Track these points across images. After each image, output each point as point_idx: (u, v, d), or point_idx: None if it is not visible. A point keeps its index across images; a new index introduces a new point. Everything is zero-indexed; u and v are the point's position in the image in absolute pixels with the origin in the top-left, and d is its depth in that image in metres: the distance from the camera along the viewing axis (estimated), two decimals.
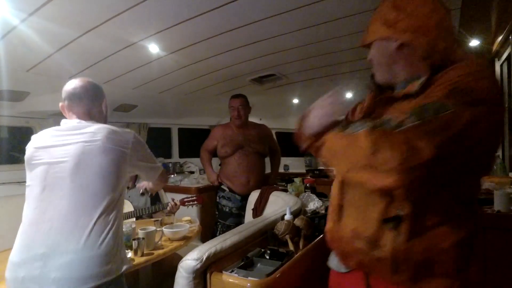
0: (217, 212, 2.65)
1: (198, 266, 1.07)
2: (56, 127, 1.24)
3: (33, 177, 1.17)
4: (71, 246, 1.03)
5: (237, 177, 2.54)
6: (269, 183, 2.63)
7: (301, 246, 1.37)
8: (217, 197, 2.64)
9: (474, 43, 2.29)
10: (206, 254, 1.10)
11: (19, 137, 2.85)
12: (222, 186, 2.63)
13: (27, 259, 1.04)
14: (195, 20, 1.75)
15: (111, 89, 2.73)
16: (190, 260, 1.09)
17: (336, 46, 2.32)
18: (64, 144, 1.16)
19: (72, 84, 1.27)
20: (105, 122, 1.31)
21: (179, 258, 2.21)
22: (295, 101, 3.76)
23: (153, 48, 2.08)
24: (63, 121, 1.26)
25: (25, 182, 2.83)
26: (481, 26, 2.13)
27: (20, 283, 1.04)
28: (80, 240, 1.03)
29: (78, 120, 1.24)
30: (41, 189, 1.13)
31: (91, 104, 1.29)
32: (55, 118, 2.88)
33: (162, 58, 2.26)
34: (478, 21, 2.05)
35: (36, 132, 2.79)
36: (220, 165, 2.77)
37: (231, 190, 2.57)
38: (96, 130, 1.17)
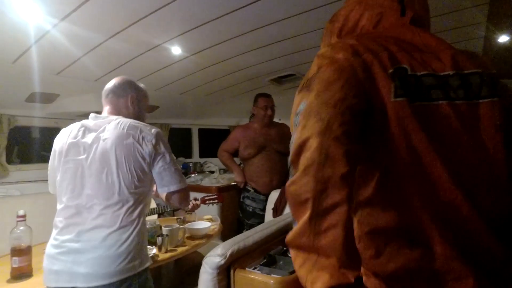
0: (240, 212, 2.68)
1: (222, 262, 1.09)
2: (84, 121, 1.26)
3: (63, 173, 1.19)
4: (98, 243, 1.06)
5: (261, 177, 2.56)
6: None
7: None
8: (241, 197, 2.67)
9: (504, 39, 2.21)
10: (230, 251, 1.12)
11: (49, 137, 2.98)
12: (247, 187, 2.65)
13: (60, 253, 1.09)
14: (217, 21, 1.78)
15: None
16: (215, 256, 1.11)
17: None
18: (89, 139, 1.17)
19: (109, 82, 1.39)
20: (135, 118, 1.29)
21: (200, 256, 2.25)
22: None
23: (176, 50, 2.13)
24: (91, 115, 1.29)
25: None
26: (511, 21, 2.05)
27: (54, 275, 1.09)
28: (107, 237, 1.07)
29: (105, 115, 1.28)
30: (73, 186, 1.15)
31: (116, 99, 1.32)
32: (82, 119, 3.00)
33: (184, 60, 2.30)
34: (507, 16, 1.98)
35: None
36: (241, 165, 2.79)
37: (256, 191, 2.59)
38: (115, 125, 1.17)
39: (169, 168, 1.19)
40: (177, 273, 2.16)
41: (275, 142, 2.60)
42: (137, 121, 1.24)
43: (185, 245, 1.77)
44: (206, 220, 2.15)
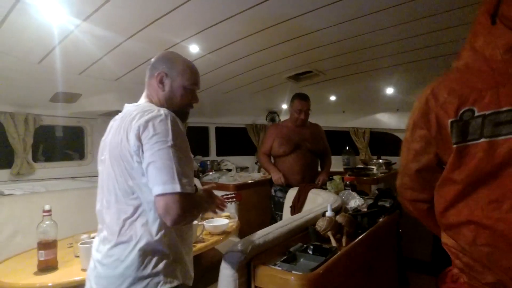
0: (272, 205, 2.70)
1: (243, 258, 1.09)
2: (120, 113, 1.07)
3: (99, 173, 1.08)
4: (100, 258, 0.97)
5: (293, 174, 2.58)
6: (320, 184, 2.60)
7: (344, 243, 1.34)
8: (273, 191, 2.69)
9: None
10: (250, 247, 1.11)
11: (71, 136, 3.08)
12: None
13: (93, 252, 1.04)
14: (233, 19, 1.78)
15: None
16: (235, 252, 1.11)
17: (376, 39, 2.24)
18: (110, 135, 1.02)
19: None
20: (166, 104, 1.04)
21: (218, 253, 2.26)
22: (333, 98, 3.68)
23: (193, 48, 2.15)
24: (125, 105, 1.09)
25: (77, 177, 3.05)
26: None
27: (91, 270, 1.03)
28: (107, 253, 0.95)
29: (132, 104, 1.06)
30: (100, 187, 1.05)
31: (148, 80, 1.08)
32: (103, 118, 3.08)
33: (201, 58, 2.32)
34: None
35: (86, 132, 3.06)
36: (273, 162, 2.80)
37: (287, 185, 2.59)
38: (120, 117, 1.00)
39: (156, 161, 0.87)
40: (196, 270, 2.17)
41: (309, 141, 2.63)
42: (145, 107, 0.97)
43: (203, 242, 1.78)
44: (223, 217, 2.16)
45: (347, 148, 3.86)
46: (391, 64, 2.74)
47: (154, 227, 0.92)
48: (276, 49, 2.30)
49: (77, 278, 1.35)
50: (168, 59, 1.08)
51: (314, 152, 2.65)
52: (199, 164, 3.68)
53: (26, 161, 2.55)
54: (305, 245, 1.26)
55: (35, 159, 2.72)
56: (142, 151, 0.89)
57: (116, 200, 0.95)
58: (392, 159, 3.64)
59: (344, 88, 3.42)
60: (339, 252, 1.23)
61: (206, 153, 4.22)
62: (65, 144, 3.10)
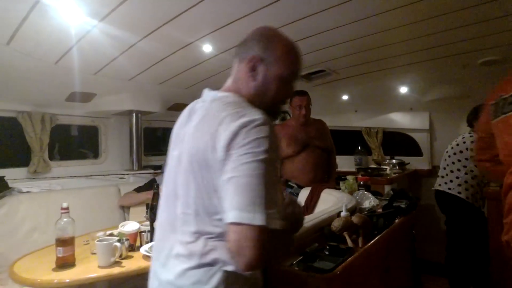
0: None
1: None
2: (199, 99, 0.88)
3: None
4: (173, 278, 0.81)
5: (305, 174, 2.52)
6: (329, 183, 2.56)
7: (360, 244, 1.33)
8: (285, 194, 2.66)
9: None
10: None
11: (86, 135, 3.13)
12: (290, 183, 2.65)
13: (157, 267, 0.89)
14: (246, 18, 1.77)
15: (167, 89, 2.89)
16: None
17: (390, 38, 2.21)
18: (190, 128, 0.82)
19: None
20: (257, 98, 0.82)
21: None
22: (345, 97, 3.65)
23: (207, 48, 2.15)
24: (204, 90, 0.89)
25: (92, 176, 3.09)
26: None
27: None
28: (185, 273, 0.79)
29: (215, 92, 0.85)
30: (171, 192, 0.85)
31: (238, 65, 0.86)
32: (117, 117, 3.12)
33: (214, 58, 2.32)
34: None
35: (100, 131, 3.10)
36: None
37: (299, 186, 2.58)
38: (202, 110, 0.81)
39: (239, 177, 0.67)
40: None
41: (316, 139, 2.57)
42: (236, 105, 0.76)
43: None
44: None
45: (360, 148, 3.82)
46: (405, 62, 2.70)
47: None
48: None
49: (94, 275, 1.37)
50: (265, 37, 0.84)
51: (323, 149, 2.58)
52: None
53: (42, 160, 2.60)
54: (321, 246, 1.25)
55: (51, 158, 2.77)
56: (224, 162, 0.69)
57: (196, 217, 0.76)
58: (406, 159, 3.58)
59: (357, 87, 3.38)
60: (356, 253, 1.21)
61: None
62: (80, 143, 3.16)
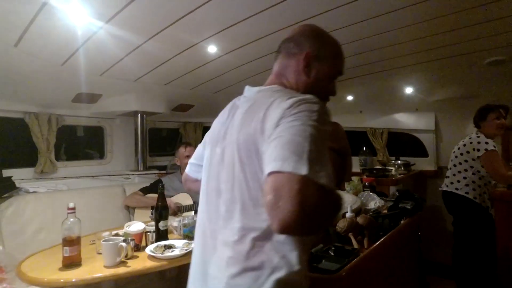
0: None
1: None
2: (241, 96, 0.88)
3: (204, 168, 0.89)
4: (233, 271, 0.74)
5: None
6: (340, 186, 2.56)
7: (365, 245, 1.32)
8: None
9: None
10: None
11: (92, 136, 3.15)
12: None
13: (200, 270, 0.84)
14: (252, 19, 1.78)
15: (172, 90, 2.90)
16: None
17: (395, 38, 2.20)
18: (234, 122, 0.80)
19: None
20: (307, 92, 0.75)
21: None
22: (350, 97, 3.64)
23: (212, 49, 2.16)
24: (246, 87, 0.89)
25: (97, 176, 3.11)
26: None
27: None
28: (236, 276, 0.72)
29: (258, 88, 0.83)
30: (212, 189, 0.83)
31: (287, 59, 0.84)
32: (122, 118, 3.14)
33: (218, 59, 2.33)
34: None
35: (106, 131, 3.13)
36: None
37: None
38: (256, 100, 0.77)
39: (282, 136, 0.62)
40: None
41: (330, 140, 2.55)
42: (286, 92, 0.76)
43: None
44: None
45: (364, 148, 3.80)
46: (411, 63, 2.69)
47: (293, 254, 0.68)
48: None
49: (100, 274, 1.37)
50: (318, 35, 0.84)
51: (336, 151, 2.58)
52: None
53: (49, 160, 2.62)
54: (326, 246, 1.25)
55: (58, 158, 2.79)
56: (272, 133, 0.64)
57: (242, 211, 0.71)
58: (411, 160, 3.56)
59: (361, 87, 3.37)
60: (361, 254, 1.21)
61: None
62: (86, 144, 3.18)
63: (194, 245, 0.84)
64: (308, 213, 0.53)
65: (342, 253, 1.19)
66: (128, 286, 1.86)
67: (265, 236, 0.67)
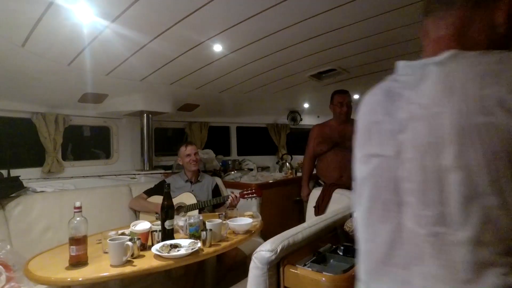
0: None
1: (273, 257, 1.07)
2: (391, 80, 0.62)
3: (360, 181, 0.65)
4: None
5: (330, 172, 2.56)
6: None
7: None
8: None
9: None
10: (280, 246, 1.09)
11: (98, 135, 3.17)
12: (319, 181, 2.69)
13: None
14: (257, 17, 1.76)
15: (178, 89, 2.90)
16: (265, 251, 1.09)
17: (403, 35, 2.17)
18: (401, 114, 0.56)
19: None
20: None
21: (241, 253, 2.25)
22: (356, 96, 3.60)
23: (217, 48, 2.15)
24: (400, 64, 0.62)
25: (104, 175, 3.12)
26: None
27: None
28: None
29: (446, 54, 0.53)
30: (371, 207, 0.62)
31: (470, 11, 0.56)
32: (128, 118, 3.15)
33: (224, 58, 2.32)
34: None
35: (112, 131, 3.14)
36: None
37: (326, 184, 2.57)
38: (444, 76, 0.52)
39: None
40: (220, 269, 2.18)
41: (349, 139, 2.53)
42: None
43: (228, 241, 1.77)
44: (247, 216, 2.14)
45: None
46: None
47: None
48: (299, 47, 2.27)
49: (106, 273, 1.37)
50: None
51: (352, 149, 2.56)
52: (220, 163, 3.70)
53: (56, 160, 2.64)
54: (334, 246, 1.23)
55: (65, 158, 2.81)
56: None
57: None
58: None
59: (368, 86, 3.27)
60: None
61: (227, 152, 4.24)
62: (92, 144, 3.20)
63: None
64: None
65: (351, 253, 1.17)
66: (134, 285, 1.85)
67: None
